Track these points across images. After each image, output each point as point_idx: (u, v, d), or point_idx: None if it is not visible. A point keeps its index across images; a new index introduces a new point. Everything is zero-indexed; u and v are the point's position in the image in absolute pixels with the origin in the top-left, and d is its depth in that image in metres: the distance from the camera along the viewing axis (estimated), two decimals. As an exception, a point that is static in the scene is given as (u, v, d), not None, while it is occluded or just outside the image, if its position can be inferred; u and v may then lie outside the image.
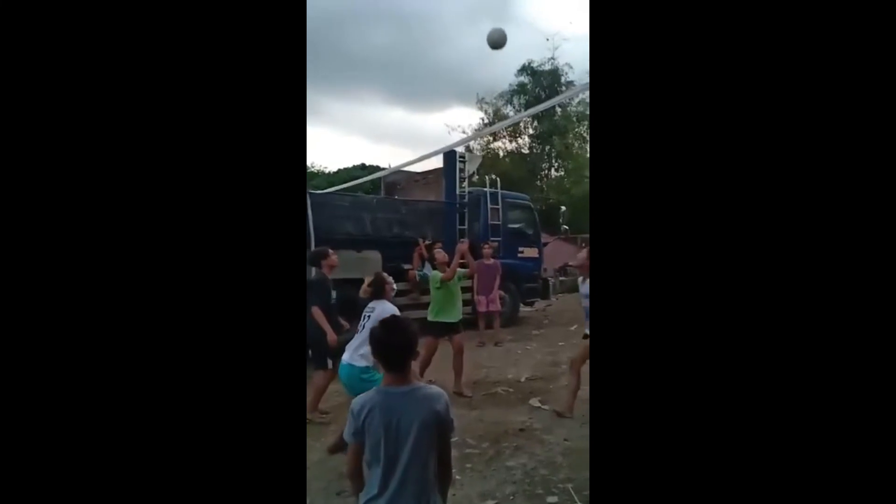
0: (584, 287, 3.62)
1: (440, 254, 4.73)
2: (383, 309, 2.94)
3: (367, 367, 2.88)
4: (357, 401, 1.44)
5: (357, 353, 2.94)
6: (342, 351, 3.09)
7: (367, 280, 3.28)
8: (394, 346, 1.43)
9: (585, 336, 3.64)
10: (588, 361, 3.46)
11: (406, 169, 8.72)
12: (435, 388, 1.50)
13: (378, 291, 3.08)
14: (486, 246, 6.93)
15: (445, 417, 1.41)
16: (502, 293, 7.08)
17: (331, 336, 3.63)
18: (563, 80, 17.13)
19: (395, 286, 3.28)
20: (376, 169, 6.76)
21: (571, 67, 17.17)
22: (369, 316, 2.97)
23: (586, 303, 3.56)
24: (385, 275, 3.25)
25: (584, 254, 3.83)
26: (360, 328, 3.01)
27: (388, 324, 1.50)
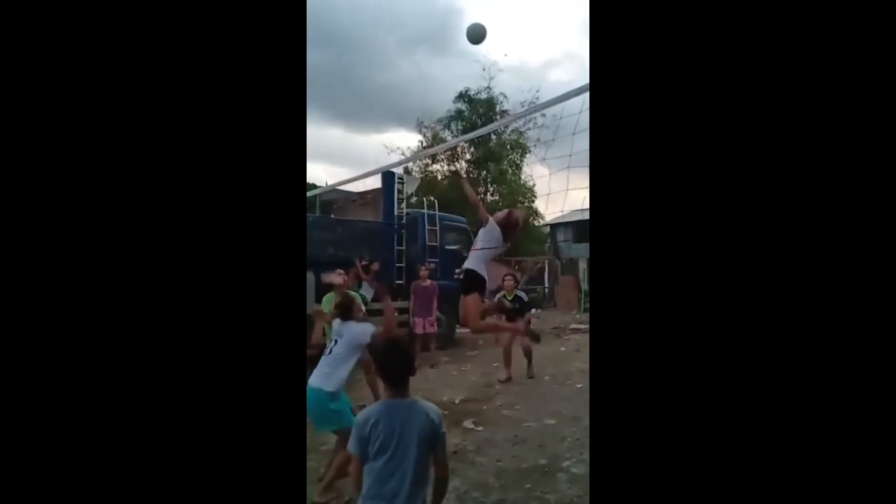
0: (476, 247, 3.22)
1: (334, 277, 4.45)
2: (358, 331, 2.81)
3: (335, 393, 2.68)
4: (362, 414, 1.63)
5: (328, 377, 2.70)
6: None
7: (335, 301, 3.13)
8: (395, 367, 1.64)
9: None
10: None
11: (344, 188, 8.63)
12: (430, 403, 1.69)
13: (345, 312, 2.94)
14: (423, 268, 6.96)
15: (440, 427, 1.63)
16: (439, 314, 7.10)
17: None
18: (498, 108, 17.76)
19: (363, 307, 3.12)
20: (312, 187, 6.64)
21: (506, 97, 17.85)
22: (336, 340, 2.81)
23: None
24: (352, 294, 3.07)
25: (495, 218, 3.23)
26: (327, 351, 2.82)
27: (390, 348, 1.72)
